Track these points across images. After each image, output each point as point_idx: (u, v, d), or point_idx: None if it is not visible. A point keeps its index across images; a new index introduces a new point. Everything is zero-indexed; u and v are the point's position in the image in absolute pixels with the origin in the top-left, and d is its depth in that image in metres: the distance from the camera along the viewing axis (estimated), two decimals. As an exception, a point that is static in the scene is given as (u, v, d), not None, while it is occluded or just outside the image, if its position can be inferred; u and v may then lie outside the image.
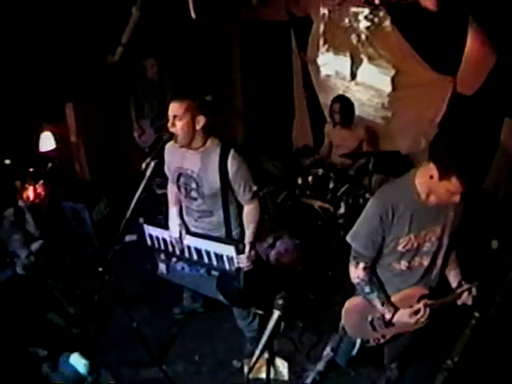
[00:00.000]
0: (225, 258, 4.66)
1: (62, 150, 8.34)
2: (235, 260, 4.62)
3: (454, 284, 4.08)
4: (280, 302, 3.10)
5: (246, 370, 5.34)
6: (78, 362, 5.33)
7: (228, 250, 4.60)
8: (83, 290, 6.50)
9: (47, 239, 7.04)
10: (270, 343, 3.13)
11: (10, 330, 5.57)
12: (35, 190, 7.66)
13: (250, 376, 3.65)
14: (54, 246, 7.21)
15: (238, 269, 4.65)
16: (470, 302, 3.93)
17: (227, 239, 4.78)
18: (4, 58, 6.81)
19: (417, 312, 3.91)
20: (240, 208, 4.81)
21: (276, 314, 3.09)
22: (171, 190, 5.13)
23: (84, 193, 8.02)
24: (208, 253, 4.75)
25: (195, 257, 4.88)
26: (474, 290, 3.90)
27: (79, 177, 8.90)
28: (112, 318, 6.03)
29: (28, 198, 7.56)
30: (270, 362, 3.40)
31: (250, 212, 4.75)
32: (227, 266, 4.69)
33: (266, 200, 7.53)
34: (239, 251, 4.59)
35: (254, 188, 4.65)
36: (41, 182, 7.75)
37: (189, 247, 4.89)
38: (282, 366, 5.52)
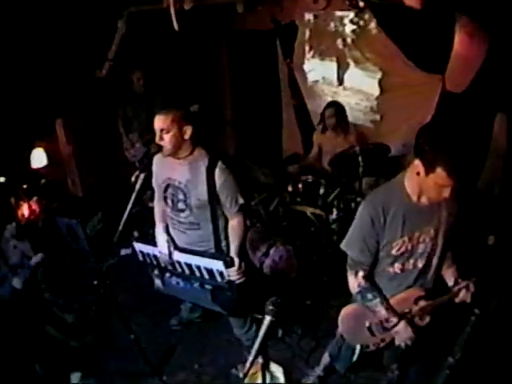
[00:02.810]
0: (215, 272, 4.63)
1: (55, 166, 8.36)
2: (225, 274, 4.59)
3: (450, 283, 4.05)
4: (270, 307, 3.07)
5: (241, 375, 5.36)
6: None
7: (217, 265, 4.57)
8: (81, 303, 6.48)
9: (45, 254, 7.03)
10: (263, 348, 3.11)
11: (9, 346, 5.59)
12: (30, 206, 7.68)
13: (246, 382, 3.67)
14: (52, 262, 7.17)
15: (230, 282, 4.64)
16: (469, 299, 3.91)
17: (215, 253, 4.78)
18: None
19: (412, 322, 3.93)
20: (227, 220, 4.79)
21: (267, 319, 3.07)
22: (157, 207, 5.12)
23: (77, 208, 8.03)
24: (198, 267, 4.72)
25: (187, 271, 4.85)
26: (471, 287, 3.88)
27: (72, 192, 8.91)
28: (111, 330, 5.98)
29: (23, 215, 7.57)
30: (265, 368, 3.40)
31: (235, 226, 4.75)
32: (219, 280, 4.67)
33: (258, 208, 7.54)
34: (228, 265, 4.57)
35: (241, 201, 4.65)
36: (34, 198, 7.77)
37: (179, 262, 4.85)
38: (277, 370, 5.49)
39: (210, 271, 4.66)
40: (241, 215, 4.74)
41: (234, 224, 4.75)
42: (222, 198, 4.56)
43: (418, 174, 3.42)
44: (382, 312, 3.88)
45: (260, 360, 3.24)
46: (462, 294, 3.91)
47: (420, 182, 3.47)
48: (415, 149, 3.49)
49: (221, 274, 4.61)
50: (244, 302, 4.79)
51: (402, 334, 3.94)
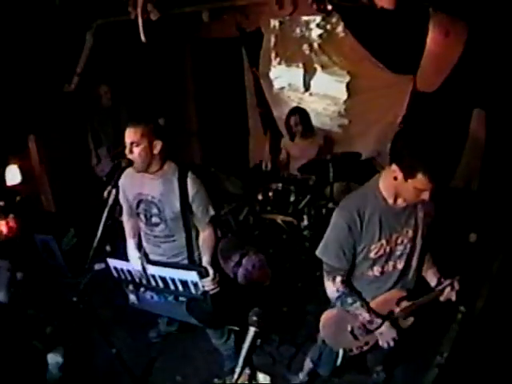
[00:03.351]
0: (190, 284, 4.60)
1: (27, 182, 8.32)
2: (200, 284, 4.57)
3: (433, 283, 4.05)
4: (254, 318, 3.06)
5: (228, 386, 5.36)
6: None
7: (191, 276, 4.54)
8: (60, 319, 6.45)
9: (24, 271, 7.01)
10: (248, 359, 3.11)
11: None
12: (7, 223, 7.64)
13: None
14: (31, 278, 7.18)
15: (205, 292, 4.60)
16: (454, 297, 3.88)
17: (189, 265, 4.78)
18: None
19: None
20: (198, 232, 4.82)
21: (252, 330, 3.06)
22: (127, 223, 5.11)
23: (52, 224, 7.98)
24: (173, 280, 4.68)
25: (161, 285, 4.80)
26: (456, 285, 3.85)
27: (45, 208, 8.87)
28: (93, 346, 5.95)
29: (1, 232, 7.53)
30: (252, 378, 3.40)
31: (206, 238, 4.78)
32: (193, 291, 4.63)
33: (227, 218, 7.55)
34: (202, 275, 4.54)
35: (212, 212, 4.69)
36: (11, 215, 7.73)
37: (153, 276, 4.81)
38: (264, 380, 5.50)
39: (184, 283, 4.63)
40: (211, 226, 4.77)
41: (206, 235, 4.78)
42: (194, 208, 4.59)
43: (395, 178, 3.41)
44: (364, 315, 3.87)
45: (247, 371, 3.25)
46: (447, 292, 3.88)
47: (397, 186, 3.46)
48: (391, 153, 3.43)
49: (195, 285, 4.58)
50: (219, 313, 4.77)
51: (385, 335, 3.91)
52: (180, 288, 4.69)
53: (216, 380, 5.54)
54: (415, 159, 3.28)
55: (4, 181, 7.93)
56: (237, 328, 5.34)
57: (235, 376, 3.14)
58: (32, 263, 7.57)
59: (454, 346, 5.14)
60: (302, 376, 5.27)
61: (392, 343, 3.92)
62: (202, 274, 4.54)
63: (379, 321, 3.89)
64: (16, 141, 8.06)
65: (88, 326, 5.35)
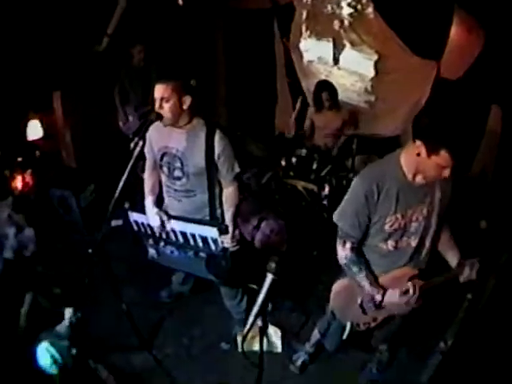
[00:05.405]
0: (209, 240, 4.64)
1: (48, 137, 8.34)
2: (219, 241, 4.61)
3: (453, 263, 4.05)
4: (273, 265, 3.05)
5: (239, 339, 5.37)
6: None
7: (211, 232, 4.57)
8: (71, 275, 6.45)
9: (36, 227, 7.00)
10: (263, 309, 3.09)
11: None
12: (23, 179, 7.65)
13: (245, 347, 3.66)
14: (43, 233, 7.16)
15: (224, 249, 4.65)
16: (475, 275, 3.92)
17: (209, 221, 4.79)
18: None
19: (406, 292, 3.89)
20: (221, 189, 4.83)
21: (269, 277, 3.03)
22: (148, 178, 5.12)
23: (70, 180, 7.99)
24: (193, 235, 4.71)
25: (181, 240, 4.84)
26: (476, 265, 3.91)
27: (66, 164, 8.88)
28: (101, 302, 5.91)
29: (16, 187, 7.54)
30: (264, 331, 3.38)
31: (230, 194, 4.79)
32: (213, 247, 4.66)
33: (249, 182, 7.57)
34: (222, 232, 4.58)
35: (237, 169, 4.70)
36: (29, 171, 7.74)
37: (174, 231, 4.84)
38: (275, 335, 5.53)
39: (204, 239, 4.66)
40: (235, 183, 4.79)
41: (229, 192, 4.79)
42: (220, 165, 4.61)
43: (418, 154, 3.43)
44: (366, 287, 3.91)
45: (259, 322, 3.23)
46: (467, 273, 3.92)
47: (420, 163, 3.48)
48: (414, 129, 3.44)
49: (215, 241, 4.61)
50: (237, 270, 4.81)
51: (396, 301, 3.94)
52: (200, 244, 4.72)
53: (223, 344, 5.58)
54: (440, 135, 3.34)
55: (24, 136, 7.97)
56: (255, 286, 5.35)
57: (247, 326, 3.13)
58: (45, 219, 7.57)
59: (458, 334, 5.15)
60: (308, 346, 5.30)
61: (414, 302, 3.97)
62: (222, 230, 4.59)
63: (379, 297, 3.95)
64: (40, 97, 8.08)
65: (98, 281, 5.36)
